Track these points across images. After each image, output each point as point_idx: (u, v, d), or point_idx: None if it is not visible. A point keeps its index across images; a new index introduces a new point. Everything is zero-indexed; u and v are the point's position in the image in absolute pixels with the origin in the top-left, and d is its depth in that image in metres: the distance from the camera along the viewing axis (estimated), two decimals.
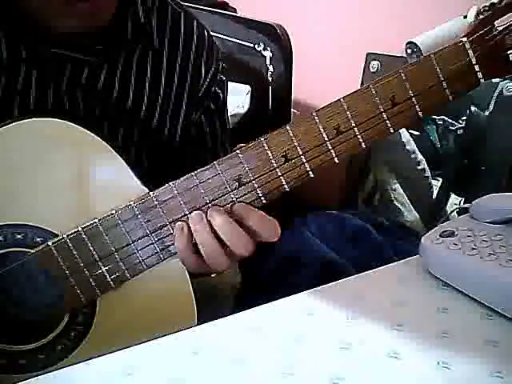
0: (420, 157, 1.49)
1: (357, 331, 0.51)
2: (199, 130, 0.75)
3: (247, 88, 1.42)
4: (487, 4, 0.52)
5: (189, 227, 0.54)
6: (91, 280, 0.57)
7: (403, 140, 1.47)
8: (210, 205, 0.54)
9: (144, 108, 0.70)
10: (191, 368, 0.47)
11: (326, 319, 0.53)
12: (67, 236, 0.56)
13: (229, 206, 0.54)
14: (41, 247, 0.56)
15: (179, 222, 0.55)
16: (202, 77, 0.73)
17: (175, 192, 0.55)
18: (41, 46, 0.63)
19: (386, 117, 0.54)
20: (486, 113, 1.37)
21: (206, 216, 0.54)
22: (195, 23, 0.74)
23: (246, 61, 1.39)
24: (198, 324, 0.57)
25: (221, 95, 0.77)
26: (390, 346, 0.49)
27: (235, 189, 0.55)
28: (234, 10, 1.94)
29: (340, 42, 1.87)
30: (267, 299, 0.55)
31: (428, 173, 1.50)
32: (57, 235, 0.56)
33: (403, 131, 1.45)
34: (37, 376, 0.47)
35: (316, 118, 0.54)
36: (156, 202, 0.55)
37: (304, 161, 0.55)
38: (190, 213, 0.55)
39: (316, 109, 0.54)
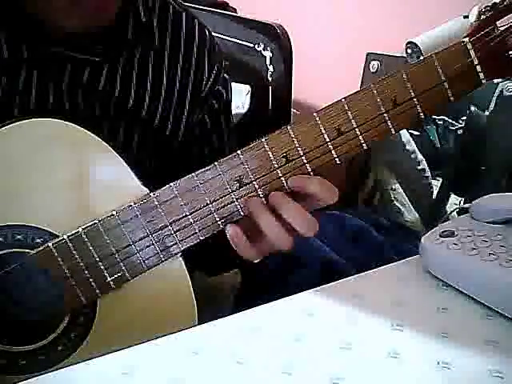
0: (420, 157, 1.50)
1: (357, 331, 0.51)
2: (204, 129, 0.75)
3: (247, 88, 1.41)
4: (489, 4, 0.52)
5: (241, 229, 0.55)
6: (91, 281, 0.57)
7: (403, 140, 1.47)
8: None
9: (145, 108, 0.70)
10: (191, 368, 0.47)
11: (326, 319, 0.53)
12: (67, 237, 0.56)
13: (278, 172, 0.55)
14: (41, 248, 0.56)
15: (232, 230, 0.55)
16: (205, 76, 0.73)
17: (176, 193, 0.55)
18: (42, 45, 0.63)
19: (387, 117, 0.54)
20: (486, 113, 1.37)
21: (266, 200, 0.54)
22: (196, 23, 0.74)
23: (246, 61, 1.39)
24: (198, 324, 0.57)
25: (224, 94, 0.76)
26: (390, 346, 0.49)
27: (236, 189, 0.55)
28: (234, 10, 1.94)
29: (340, 42, 1.87)
30: (267, 299, 0.55)
31: (428, 173, 1.50)
32: (57, 236, 0.56)
33: (403, 131, 1.46)
34: (37, 376, 0.47)
35: (317, 118, 0.54)
36: (156, 203, 0.55)
37: (305, 161, 0.55)
38: (190, 213, 0.55)
39: (316, 109, 0.54)
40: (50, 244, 0.56)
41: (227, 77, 0.77)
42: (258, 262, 0.58)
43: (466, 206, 0.60)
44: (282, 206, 0.54)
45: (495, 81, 1.26)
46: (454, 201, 1.46)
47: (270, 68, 1.35)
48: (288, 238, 0.55)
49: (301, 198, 0.55)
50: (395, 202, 1.49)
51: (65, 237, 0.56)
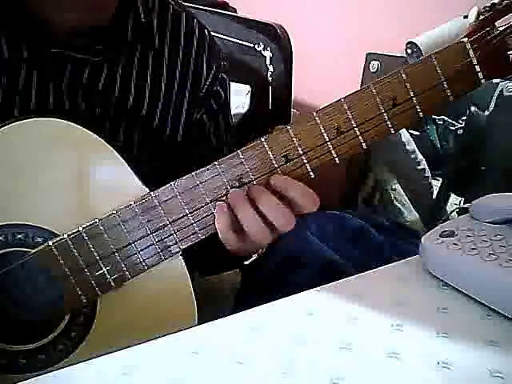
0: (420, 157, 1.50)
1: (357, 331, 0.51)
2: (202, 130, 0.76)
3: (247, 88, 1.42)
4: (488, 4, 0.53)
5: (229, 207, 0.55)
6: (92, 280, 0.57)
7: (403, 140, 1.47)
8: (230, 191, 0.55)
9: (145, 108, 0.70)
10: (191, 368, 0.47)
11: (326, 319, 0.53)
12: (68, 236, 0.56)
13: (267, 178, 0.55)
14: (41, 247, 0.56)
15: (219, 203, 0.55)
16: (204, 76, 0.74)
17: (176, 192, 0.55)
18: (42, 45, 0.63)
19: (386, 117, 0.54)
20: (486, 113, 1.37)
21: (247, 193, 0.55)
22: (196, 23, 0.74)
23: (246, 61, 1.39)
24: (198, 324, 0.57)
25: (223, 94, 0.77)
26: (390, 346, 0.49)
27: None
28: (234, 10, 1.94)
29: (340, 42, 1.87)
30: (267, 299, 0.55)
31: (428, 173, 1.50)
32: (57, 235, 0.56)
33: (403, 131, 1.46)
34: (37, 376, 0.47)
35: (317, 118, 0.54)
36: (157, 202, 0.55)
37: (305, 161, 0.55)
38: (190, 213, 0.55)
39: (316, 109, 0.54)
40: (50, 243, 0.56)
41: (226, 77, 0.77)
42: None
43: (466, 205, 0.60)
44: (260, 197, 0.54)
45: (495, 81, 1.27)
46: (454, 201, 1.46)
47: (270, 68, 1.35)
48: (266, 232, 0.55)
49: (281, 198, 0.55)
50: (395, 201, 1.49)
51: (65, 236, 0.56)
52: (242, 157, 0.55)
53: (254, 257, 0.62)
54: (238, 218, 0.55)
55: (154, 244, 0.56)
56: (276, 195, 0.55)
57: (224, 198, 0.55)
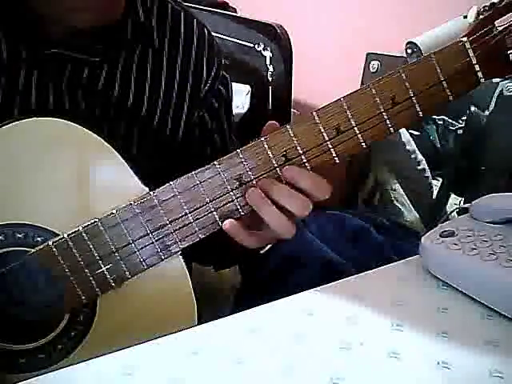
0: (420, 157, 1.50)
1: (357, 331, 0.51)
2: (205, 129, 0.75)
3: (247, 88, 1.42)
4: (487, 4, 0.53)
5: (237, 220, 0.55)
6: (91, 279, 0.57)
7: (403, 140, 1.47)
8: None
9: (144, 108, 0.70)
10: (191, 368, 0.47)
11: (326, 319, 0.53)
12: (68, 235, 0.56)
13: (278, 171, 0.55)
14: (41, 246, 0.56)
15: (228, 223, 0.55)
16: (204, 76, 0.73)
17: (175, 191, 0.55)
18: (40, 46, 0.63)
19: (386, 116, 0.54)
20: (486, 113, 1.37)
21: (263, 189, 0.55)
22: (195, 22, 0.74)
23: (246, 61, 1.39)
24: (198, 324, 0.57)
25: (224, 93, 0.76)
26: (390, 346, 0.49)
27: (235, 188, 0.55)
28: (234, 10, 1.94)
29: (340, 42, 1.87)
30: (267, 299, 0.55)
31: (428, 173, 1.50)
32: (57, 234, 0.56)
33: (403, 131, 1.46)
34: (37, 376, 0.47)
35: (316, 117, 0.54)
36: (156, 202, 0.55)
37: (304, 160, 0.55)
38: (190, 212, 0.55)
39: (316, 109, 0.54)
40: (50, 242, 0.56)
41: (227, 76, 0.77)
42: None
43: (466, 205, 0.60)
44: (272, 189, 0.54)
45: (495, 81, 1.27)
46: (454, 201, 1.46)
47: (270, 68, 1.35)
48: (289, 224, 0.55)
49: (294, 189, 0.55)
50: (395, 201, 1.49)
51: (65, 235, 0.56)
52: (241, 156, 0.55)
53: (269, 246, 0.62)
54: (261, 217, 0.55)
55: (153, 243, 0.56)
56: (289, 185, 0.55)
57: (228, 204, 0.55)
